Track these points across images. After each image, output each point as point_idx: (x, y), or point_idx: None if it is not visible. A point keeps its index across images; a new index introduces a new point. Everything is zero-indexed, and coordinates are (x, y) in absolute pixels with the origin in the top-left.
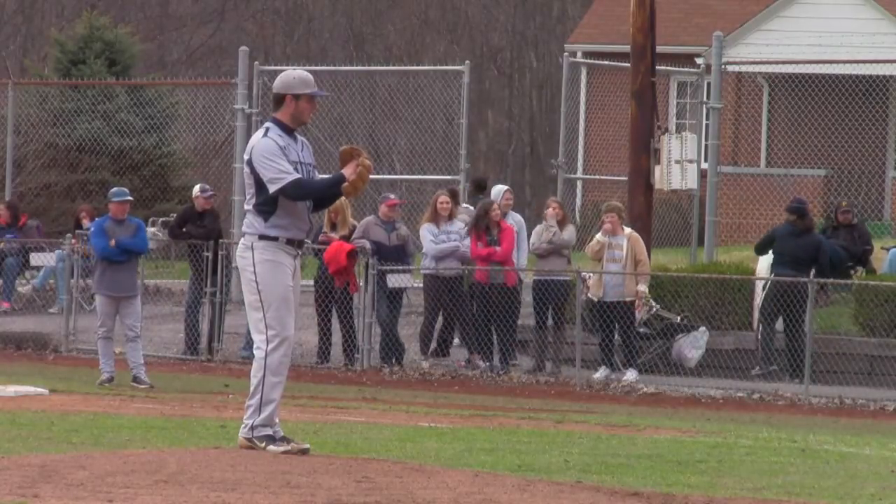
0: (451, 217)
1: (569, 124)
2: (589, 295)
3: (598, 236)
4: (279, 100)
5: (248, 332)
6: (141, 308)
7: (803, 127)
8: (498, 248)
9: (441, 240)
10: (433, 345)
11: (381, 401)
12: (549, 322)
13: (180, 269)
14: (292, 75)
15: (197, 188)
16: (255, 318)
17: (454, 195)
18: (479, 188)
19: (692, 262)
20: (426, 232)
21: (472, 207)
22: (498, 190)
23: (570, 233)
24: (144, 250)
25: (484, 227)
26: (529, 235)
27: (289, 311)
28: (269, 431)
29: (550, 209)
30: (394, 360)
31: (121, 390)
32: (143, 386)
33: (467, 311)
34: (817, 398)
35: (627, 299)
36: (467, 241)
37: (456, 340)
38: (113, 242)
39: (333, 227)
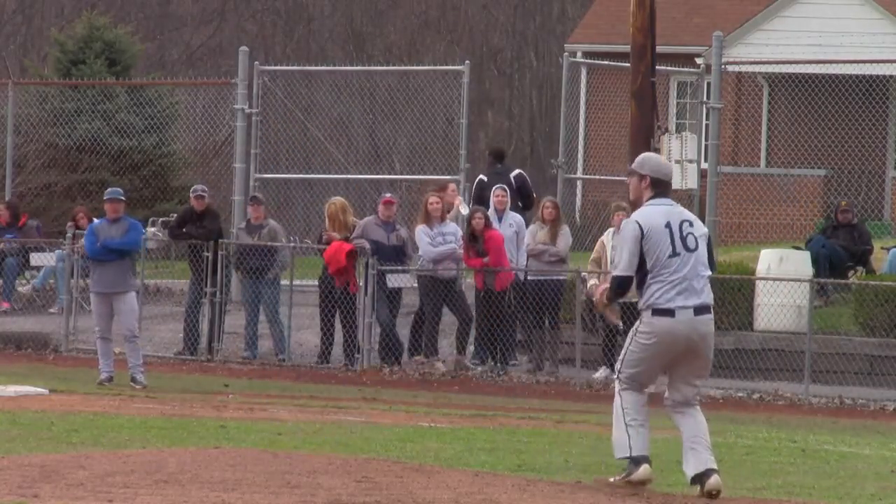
0: (442, 218)
1: (569, 124)
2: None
3: (606, 238)
4: None
5: (247, 333)
6: (139, 308)
7: (803, 127)
8: (486, 259)
9: (437, 242)
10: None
11: (381, 401)
12: (546, 323)
13: (180, 269)
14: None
15: (192, 189)
16: None
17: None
18: (498, 158)
19: None
20: (422, 234)
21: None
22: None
23: (565, 240)
24: (132, 249)
25: (470, 235)
26: None
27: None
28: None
29: (547, 210)
30: (393, 360)
31: (121, 390)
32: (137, 386)
33: (465, 311)
34: (817, 398)
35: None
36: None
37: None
38: (99, 243)
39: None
